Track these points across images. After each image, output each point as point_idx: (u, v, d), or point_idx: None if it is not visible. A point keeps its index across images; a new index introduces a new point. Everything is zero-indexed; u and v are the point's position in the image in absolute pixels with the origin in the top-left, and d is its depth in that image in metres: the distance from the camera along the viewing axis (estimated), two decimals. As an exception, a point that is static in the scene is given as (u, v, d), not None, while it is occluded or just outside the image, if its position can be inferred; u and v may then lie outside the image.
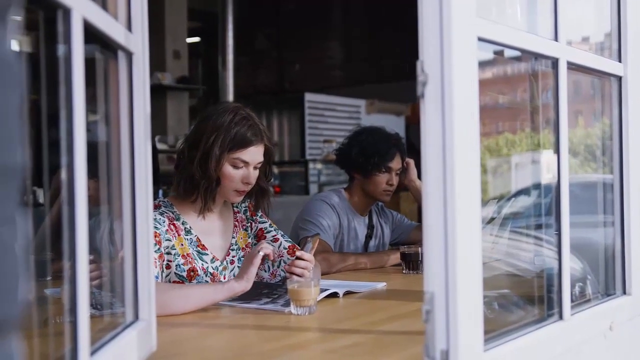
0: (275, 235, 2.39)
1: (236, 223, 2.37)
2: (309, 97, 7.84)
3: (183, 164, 2.21)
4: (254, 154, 2.20)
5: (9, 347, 0.55)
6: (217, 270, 2.26)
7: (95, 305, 1.29)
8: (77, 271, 0.99)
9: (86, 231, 1.01)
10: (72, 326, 1.00)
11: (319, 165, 7.43)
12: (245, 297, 2.02)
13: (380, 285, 2.34)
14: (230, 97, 9.14)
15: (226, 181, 2.20)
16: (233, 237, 2.35)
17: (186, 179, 2.20)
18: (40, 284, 1.77)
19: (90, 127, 1.10)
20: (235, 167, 2.19)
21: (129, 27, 1.34)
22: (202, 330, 1.77)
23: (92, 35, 1.10)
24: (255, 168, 2.22)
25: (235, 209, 2.40)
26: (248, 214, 2.41)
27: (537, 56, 1.54)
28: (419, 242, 2.95)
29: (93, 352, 1.08)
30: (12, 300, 0.55)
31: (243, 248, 2.36)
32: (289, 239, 2.40)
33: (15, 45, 0.58)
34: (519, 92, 1.96)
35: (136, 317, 1.36)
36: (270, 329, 1.75)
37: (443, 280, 1.16)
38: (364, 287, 2.29)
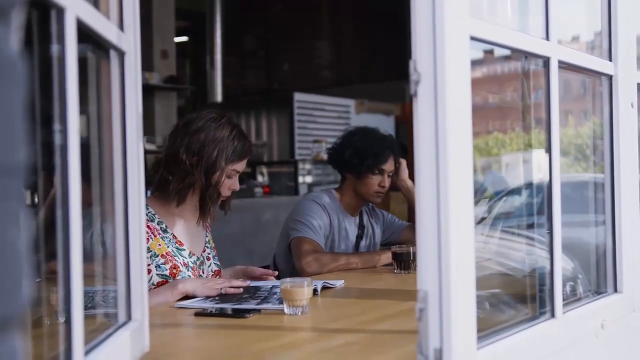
0: (213, 254, 2.46)
1: (207, 224, 2.45)
2: (298, 97, 7.82)
3: (183, 170, 2.22)
4: (245, 164, 2.33)
5: (12, 344, 0.56)
6: (196, 265, 2.31)
7: (86, 305, 1.28)
8: (71, 272, 0.99)
9: (80, 232, 1.00)
10: (66, 326, 0.99)
11: (308, 165, 7.42)
12: (237, 300, 2.02)
13: (339, 283, 2.33)
14: (219, 97, 9.12)
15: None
16: (206, 236, 2.43)
17: (187, 186, 2.24)
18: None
19: (81, 128, 1.09)
20: (229, 177, 2.28)
21: (121, 26, 1.33)
22: (194, 331, 1.77)
23: (84, 34, 1.10)
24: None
25: None
26: (209, 222, 2.49)
27: (529, 55, 1.54)
28: (409, 242, 2.96)
29: (86, 353, 1.07)
30: (16, 298, 0.55)
31: (214, 248, 2.46)
32: (218, 263, 2.47)
33: (17, 45, 0.58)
34: (509, 92, 1.97)
35: (129, 317, 1.36)
36: (264, 329, 1.75)
37: (437, 279, 1.16)
38: (330, 284, 2.28)
